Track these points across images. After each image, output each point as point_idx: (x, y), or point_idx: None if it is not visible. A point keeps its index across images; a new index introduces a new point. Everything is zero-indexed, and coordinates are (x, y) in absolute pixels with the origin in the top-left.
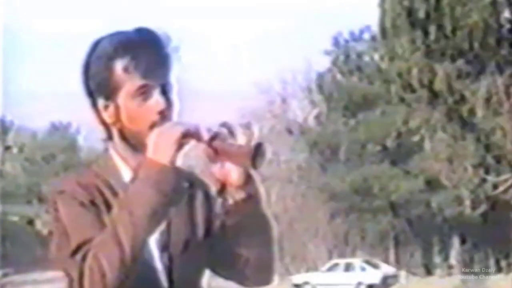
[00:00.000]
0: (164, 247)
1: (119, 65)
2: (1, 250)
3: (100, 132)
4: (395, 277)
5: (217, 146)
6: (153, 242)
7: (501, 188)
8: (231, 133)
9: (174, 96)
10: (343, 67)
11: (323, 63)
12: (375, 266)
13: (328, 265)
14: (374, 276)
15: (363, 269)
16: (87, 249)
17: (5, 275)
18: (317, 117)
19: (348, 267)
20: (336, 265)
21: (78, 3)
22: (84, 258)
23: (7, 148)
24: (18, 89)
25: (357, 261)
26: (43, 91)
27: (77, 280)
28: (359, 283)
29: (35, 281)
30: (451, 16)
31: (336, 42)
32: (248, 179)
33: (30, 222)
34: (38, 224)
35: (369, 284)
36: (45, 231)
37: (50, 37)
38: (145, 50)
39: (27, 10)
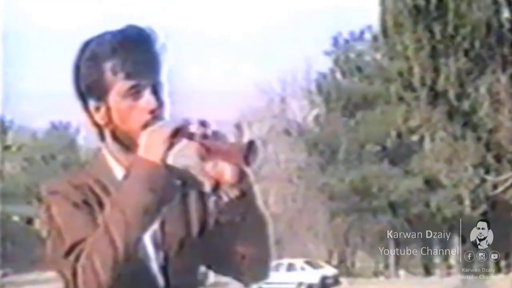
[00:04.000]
0: (159, 246)
1: (109, 66)
2: (1, 250)
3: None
4: (334, 278)
5: (209, 144)
6: (148, 241)
7: (501, 188)
8: (221, 135)
9: (165, 95)
10: (344, 67)
11: (323, 63)
12: (315, 267)
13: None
14: (314, 276)
15: (303, 269)
16: (80, 249)
17: (5, 275)
18: (316, 117)
19: (290, 267)
20: (279, 265)
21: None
22: (77, 258)
23: (7, 147)
24: (18, 89)
25: (298, 261)
26: (43, 91)
27: (71, 280)
28: (300, 283)
29: (35, 281)
30: (455, 13)
31: (336, 42)
32: (242, 177)
33: (30, 222)
34: (37, 224)
35: (308, 284)
36: (43, 231)
37: (50, 37)
38: (135, 50)
39: (27, 8)
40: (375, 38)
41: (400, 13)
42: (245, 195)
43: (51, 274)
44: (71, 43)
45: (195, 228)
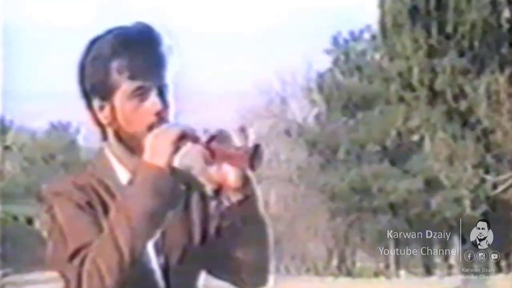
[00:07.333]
0: (161, 250)
1: (115, 66)
2: (1, 250)
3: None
4: None
5: (214, 148)
6: (149, 245)
7: (501, 188)
8: (227, 138)
9: (170, 97)
10: (343, 67)
11: (323, 62)
12: None
13: None
14: None
15: None
16: (85, 253)
17: (5, 275)
18: (316, 117)
19: None
20: None
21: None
22: (82, 263)
23: (7, 148)
24: (18, 89)
25: None
26: (43, 91)
27: (75, 284)
28: None
29: (35, 281)
30: (453, 13)
31: (336, 42)
32: (245, 181)
33: (30, 221)
34: (37, 224)
35: None
36: (44, 231)
37: (50, 36)
38: (142, 51)
39: (27, 7)
40: (374, 37)
41: (399, 13)
42: (248, 199)
43: (51, 274)
44: (72, 43)
45: (197, 232)
